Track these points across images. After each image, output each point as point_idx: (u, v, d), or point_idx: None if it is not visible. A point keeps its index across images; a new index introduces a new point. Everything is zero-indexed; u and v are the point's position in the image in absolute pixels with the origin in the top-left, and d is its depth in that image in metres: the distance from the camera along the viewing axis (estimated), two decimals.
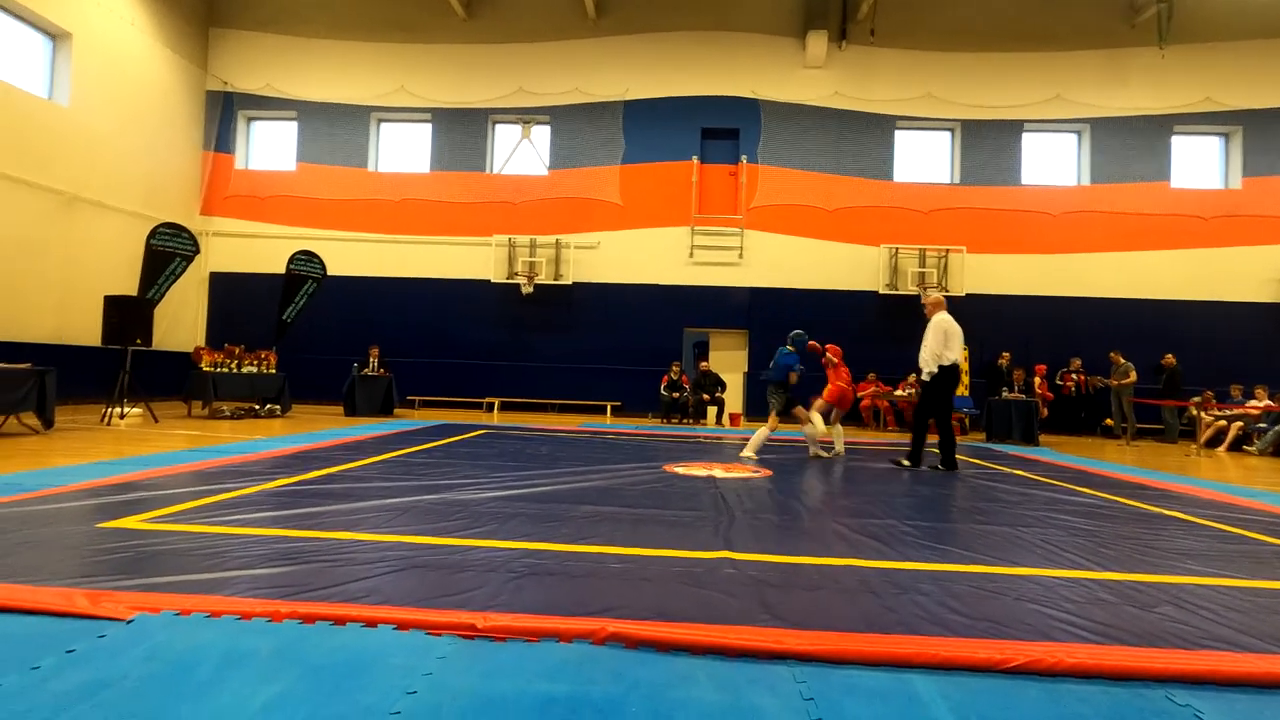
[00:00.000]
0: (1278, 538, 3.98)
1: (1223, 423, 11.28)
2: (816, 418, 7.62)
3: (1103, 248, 13.76)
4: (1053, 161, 14.41)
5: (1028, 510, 4.66)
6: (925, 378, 6.71)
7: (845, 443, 8.06)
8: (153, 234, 9.96)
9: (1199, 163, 14.20)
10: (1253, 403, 11.21)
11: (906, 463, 6.79)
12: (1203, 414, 11.51)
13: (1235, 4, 13.57)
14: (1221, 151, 14.19)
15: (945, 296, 12.61)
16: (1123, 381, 11.92)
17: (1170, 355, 12.51)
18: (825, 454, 7.58)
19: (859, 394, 13.36)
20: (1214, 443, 11.18)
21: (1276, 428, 10.31)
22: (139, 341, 9.02)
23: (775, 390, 7.36)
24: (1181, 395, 12.05)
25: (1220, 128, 13.95)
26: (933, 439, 6.89)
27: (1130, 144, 13.90)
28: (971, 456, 8.16)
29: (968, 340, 6.98)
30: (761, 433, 7.28)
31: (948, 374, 6.64)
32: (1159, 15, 13.09)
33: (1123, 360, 12.16)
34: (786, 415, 7.35)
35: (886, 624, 2.27)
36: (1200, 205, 13.74)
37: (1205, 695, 1.84)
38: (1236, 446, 10.88)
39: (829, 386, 7.95)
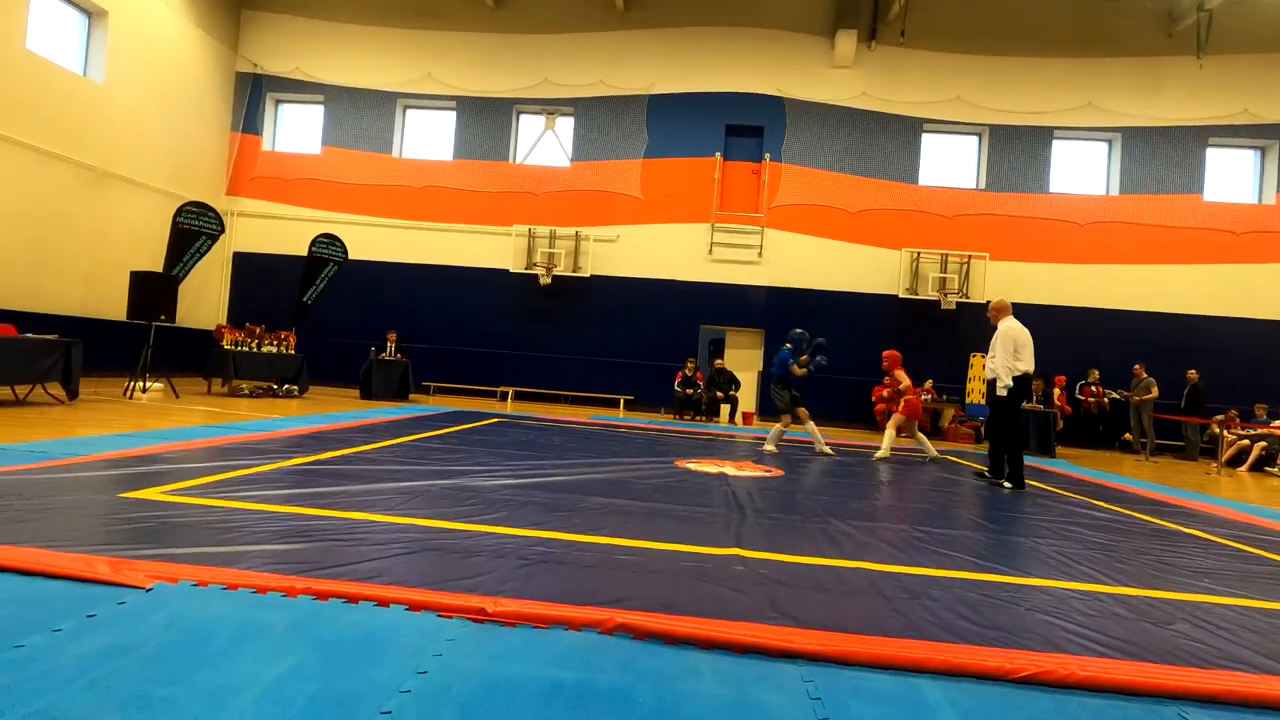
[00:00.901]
0: None
1: (1245, 442, 11.07)
2: (890, 433, 8.11)
3: (1129, 259, 13.52)
4: (1082, 170, 14.17)
5: (1042, 521, 4.61)
6: (1001, 391, 6.16)
7: (835, 445, 8.43)
8: (179, 212, 10.10)
9: (1233, 176, 13.91)
10: (1277, 423, 10.99)
11: (989, 476, 6.44)
12: (1225, 432, 11.31)
13: (1275, 16, 13.24)
14: (1257, 165, 13.88)
15: (962, 302, 12.37)
16: (1144, 397, 11.74)
17: (1194, 371, 12.29)
18: (830, 453, 7.86)
19: (874, 398, 13.29)
20: (1235, 462, 10.99)
21: None
22: (163, 318, 9.16)
23: (778, 388, 7.79)
24: (1204, 412, 11.84)
25: (1256, 141, 13.65)
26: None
27: (1163, 155, 13.64)
28: (986, 465, 8.08)
29: (987, 348, 6.83)
30: (777, 429, 7.51)
31: (1021, 385, 6.23)
32: (1198, 25, 12.81)
33: (1145, 374, 11.97)
34: (791, 412, 7.55)
35: (895, 628, 2.26)
36: (1232, 220, 13.46)
37: (1220, 715, 1.81)
38: (1259, 467, 10.68)
39: (904, 401, 8.26)
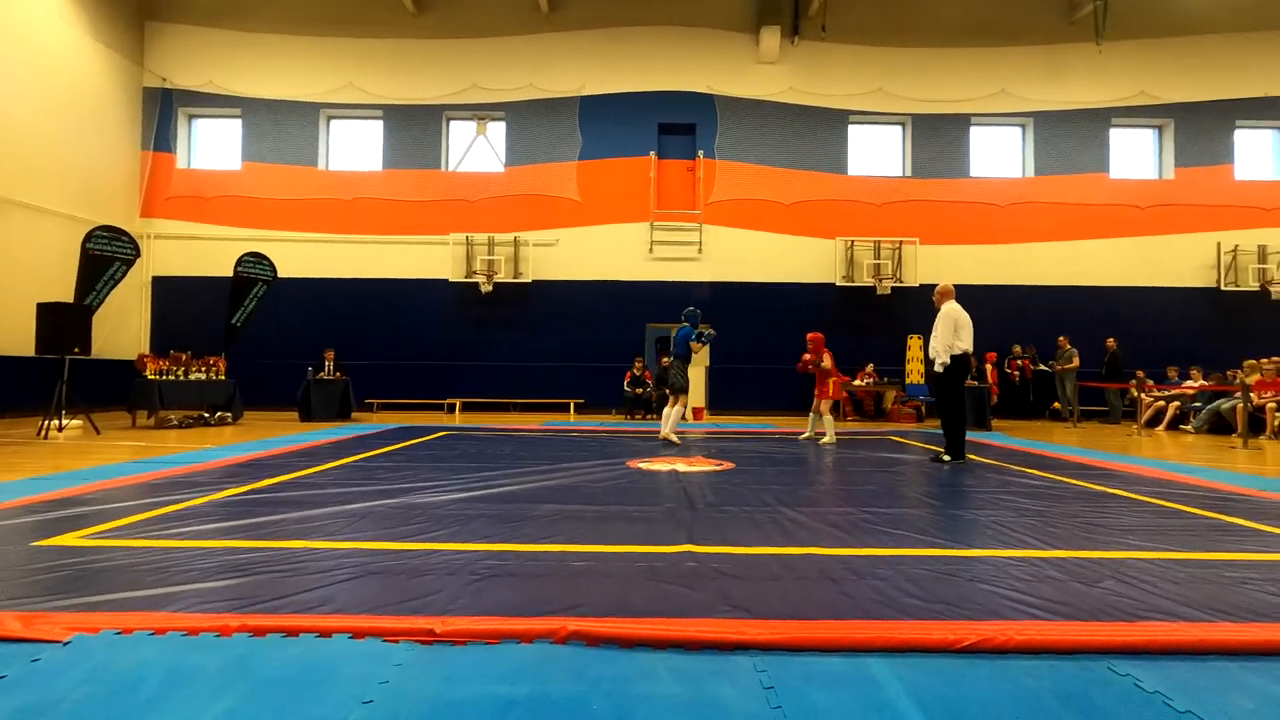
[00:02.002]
0: (1211, 511, 4.18)
1: (1161, 403, 11.80)
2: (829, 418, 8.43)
3: (1047, 237, 14.23)
4: (999, 154, 14.83)
5: (980, 493, 4.80)
6: (939, 369, 6.51)
7: (782, 434, 8.67)
8: (89, 237, 9.52)
9: (1135, 154, 14.79)
10: (1188, 383, 11.75)
11: (947, 458, 6.47)
12: (1142, 395, 12.03)
13: (1167, 2, 14.16)
14: (1156, 143, 14.80)
15: (897, 287, 12.78)
16: (1066, 366, 12.37)
17: (1112, 339, 13.03)
18: (677, 442, 8.02)
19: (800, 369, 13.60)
20: (1154, 422, 11.69)
21: (1210, 406, 10.83)
22: (77, 350, 8.62)
23: (683, 367, 8.17)
24: (1123, 378, 12.56)
25: (1154, 120, 14.55)
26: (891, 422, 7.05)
27: (1071, 137, 14.40)
28: (927, 443, 8.37)
29: (922, 329, 7.10)
30: (677, 412, 8.01)
31: (960, 363, 6.48)
32: (1096, 12, 13.58)
33: (1068, 345, 12.62)
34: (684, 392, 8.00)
35: (845, 610, 2.31)
36: (1137, 195, 14.32)
37: (1144, 664, 1.92)
38: (1174, 425, 11.39)
39: (832, 383, 8.63)
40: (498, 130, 14.62)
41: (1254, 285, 13.78)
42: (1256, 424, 10.07)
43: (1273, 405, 10.07)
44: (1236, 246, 13.95)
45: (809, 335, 8.90)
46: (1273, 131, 14.69)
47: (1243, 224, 14.13)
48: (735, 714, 1.64)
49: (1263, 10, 14.22)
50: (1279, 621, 2.22)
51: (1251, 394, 9.45)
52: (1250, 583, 2.68)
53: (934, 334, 6.59)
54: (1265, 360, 10.88)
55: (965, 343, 6.46)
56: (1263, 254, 13.90)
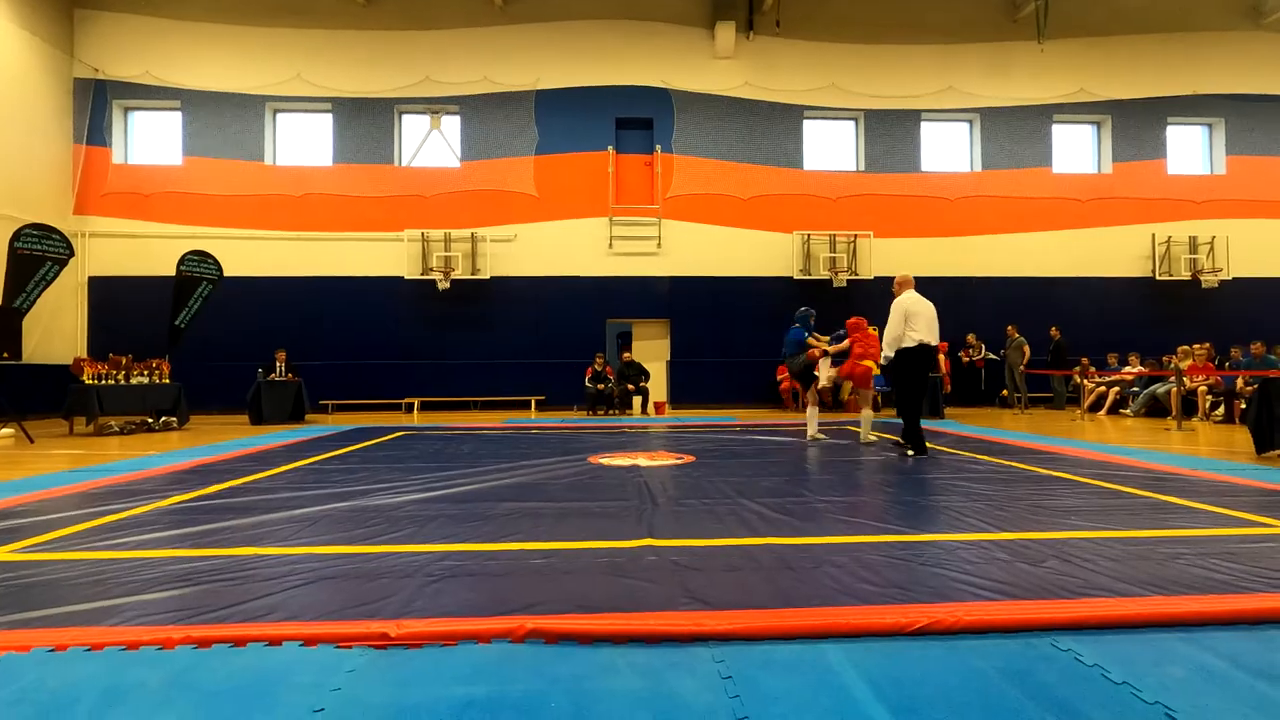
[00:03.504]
0: (1148, 491, 4.37)
1: (1103, 388, 12.30)
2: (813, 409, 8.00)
3: (994, 230, 14.67)
4: (948, 149, 15.22)
5: (933, 479, 4.93)
6: (883, 361, 6.45)
7: (745, 425, 8.37)
8: (16, 236, 9.05)
9: (1075, 149, 15.36)
10: (1127, 369, 12.27)
11: (911, 453, 6.29)
12: (1085, 381, 12.53)
13: (1105, 1, 14.71)
14: (1094, 139, 15.38)
15: (853, 280, 12.93)
16: (1021, 361, 12.79)
17: (1055, 328, 13.52)
18: (823, 437, 7.84)
19: (778, 377, 13.78)
20: (1096, 407, 12.19)
21: (1147, 391, 11.34)
22: (6, 355, 8.19)
23: (797, 369, 7.85)
24: (1067, 365, 13.05)
25: (1093, 116, 15.11)
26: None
27: (1015, 132, 14.86)
28: (884, 432, 8.57)
29: (878, 321, 7.11)
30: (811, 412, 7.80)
31: (911, 356, 6.25)
32: (1037, 11, 14.03)
33: (1017, 335, 13.06)
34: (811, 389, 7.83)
35: (802, 598, 2.35)
36: (1077, 189, 14.87)
37: (1084, 639, 1.99)
38: (1115, 410, 11.89)
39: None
40: (452, 124, 14.37)
41: (1186, 275, 14.46)
42: (1190, 407, 10.59)
43: (1204, 389, 10.60)
44: (1170, 238, 14.61)
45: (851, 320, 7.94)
46: (1202, 128, 15.41)
47: (1175, 216, 14.80)
48: (694, 705, 1.65)
49: (1192, 11, 14.89)
50: (1209, 594, 2.34)
51: (1185, 378, 9.92)
52: (1182, 558, 2.81)
53: (886, 327, 6.47)
54: (1197, 346, 11.44)
55: (920, 333, 6.24)
56: (1193, 245, 14.58)
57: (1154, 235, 14.66)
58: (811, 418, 7.87)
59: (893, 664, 1.86)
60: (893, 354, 6.34)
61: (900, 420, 6.58)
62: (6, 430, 8.30)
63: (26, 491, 4.60)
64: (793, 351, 7.86)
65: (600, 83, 14.24)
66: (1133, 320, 14.48)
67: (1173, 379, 9.88)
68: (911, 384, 6.41)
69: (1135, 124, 14.92)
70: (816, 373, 7.83)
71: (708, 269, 14.24)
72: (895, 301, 6.47)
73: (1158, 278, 14.54)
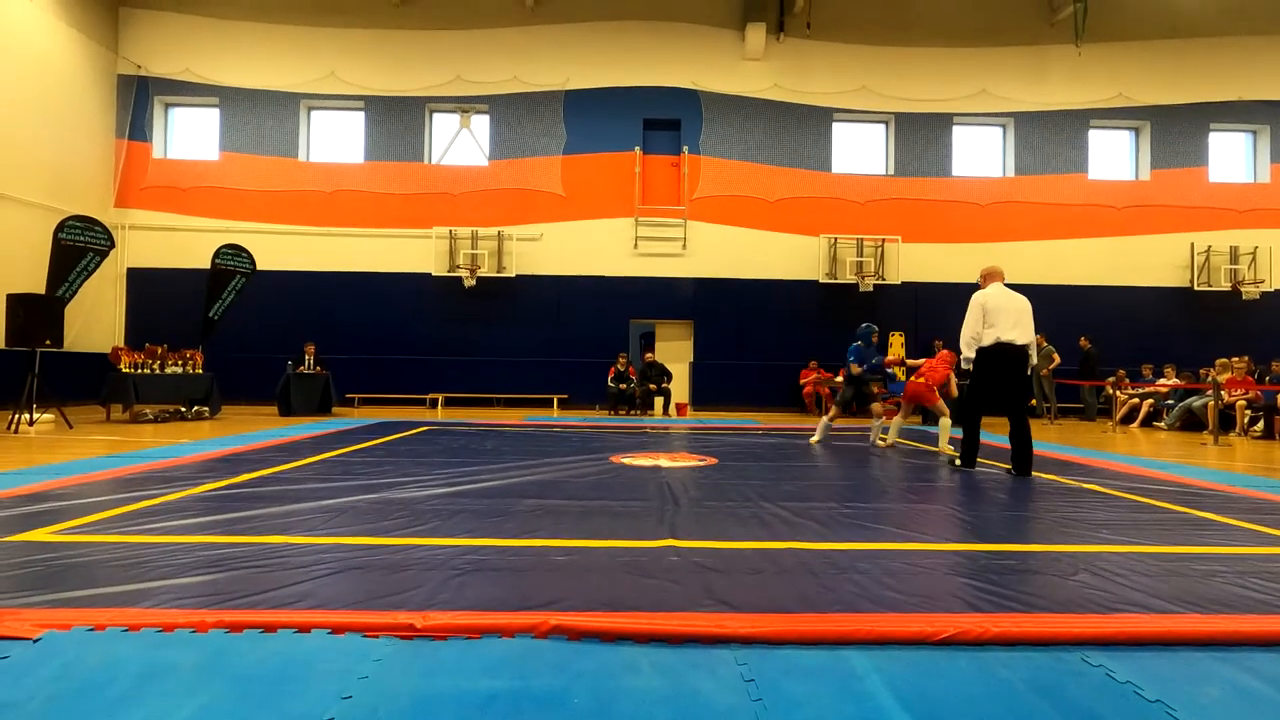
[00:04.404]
0: (1183, 506, 4.26)
1: (1136, 400, 12.02)
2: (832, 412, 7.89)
3: (1026, 236, 14.42)
4: (980, 153, 15.00)
5: (959, 487, 4.86)
6: (964, 365, 5.70)
7: (767, 430, 8.31)
8: (61, 227, 9.33)
9: (1112, 155, 15.03)
10: (1162, 381, 11.98)
11: (959, 463, 5.86)
12: (1117, 393, 12.24)
13: (1146, 6, 14.38)
14: (1132, 145, 15.05)
15: (879, 285, 12.76)
16: (1048, 367, 12.55)
17: (1085, 338, 13.23)
18: (883, 442, 7.62)
19: (801, 380, 13.68)
20: (1128, 419, 11.91)
21: (1182, 404, 11.05)
22: (48, 343, 8.43)
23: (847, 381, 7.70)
24: (1097, 376, 12.77)
25: (1131, 122, 14.79)
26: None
27: (1051, 137, 14.59)
28: (908, 439, 8.46)
29: (903, 327, 6.99)
30: (895, 422, 7.53)
31: (990, 357, 5.51)
32: (1075, 14, 13.76)
33: (1045, 343, 12.81)
34: (850, 406, 7.64)
35: (825, 603, 2.33)
36: (1114, 196, 14.55)
37: (1117, 655, 1.95)
38: (1148, 422, 11.61)
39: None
40: (481, 123, 14.51)
41: (1226, 285, 14.07)
42: (1227, 421, 10.30)
43: (1242, 403, 10.30)
44: (1209, 247, 14.23)
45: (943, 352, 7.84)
46: (1246, 134, 15.00)
47: (1216, 225, 14.42)
48: (716, 707, 1.65)
49: (1238, 15, 14.49)
50: (1246, 613, 2.27)
51: (1222, 392, 9.66)
52: (1219, 575, 2.73)
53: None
54: (1236, 359, 11.12)
55: (1001, 331, 5.43)
56: (1234, 255, 14.19)
57: (1193, 244, 14.29)
58: (823, 425, 7.91)
59: (917, 673, 1.84)
60: (971, 355, 5.58)
61: (963, 433, 5.94)
62: (47, 415, 8.55)
63: (66, 475, 4.74)
64: (865, 365, 7.57)
65: (629, 83, 14.28)
66: (1168, 331, 14.13)
67: (1210, 392, 9.62)
68: (984, 388, 5.61)
69: (1176, 130, 14.56)
70: (868, 390, 7.69)
71: (732, 271, 14.19)
72: (973, 296, 5.69)
73: (1196, 288, 14.18)
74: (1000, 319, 5.46)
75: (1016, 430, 5.51)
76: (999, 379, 5.52)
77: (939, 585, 2.56)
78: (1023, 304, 5.56)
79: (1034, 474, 5.58)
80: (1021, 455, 5.46)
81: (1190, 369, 12.23)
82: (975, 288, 5.83)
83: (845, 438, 8.64)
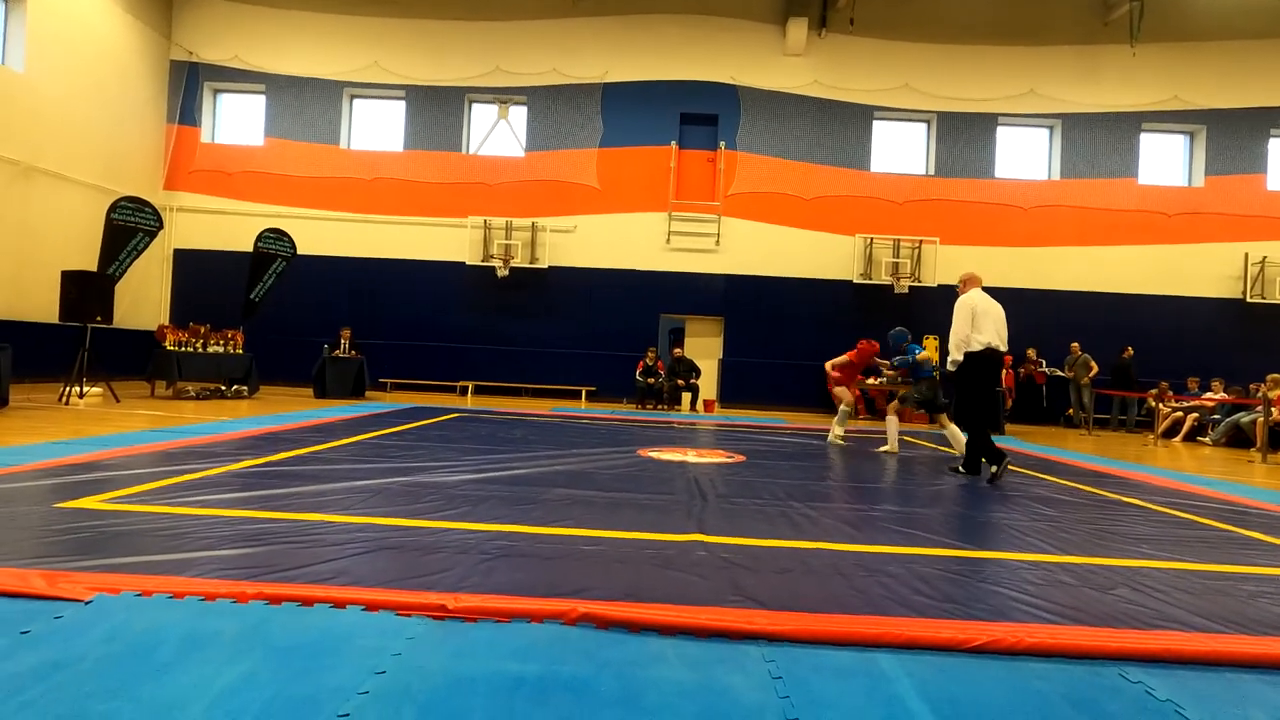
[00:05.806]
0: (1227, 523, 4.13)
1: (1179, 414, 11.64)
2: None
3: (1070, 241, 14.03)
4: (1025, 155, 14.61)
5: (992, 496, 4.76)
6: (950, 367, 5.69)
7: (796, 430, 8.20)
8: (113, 208, 9.63)
9: (1165, 160, 14.52)
10: (1208, 395, 11.57)
11: (962, 469, 5.77)
12: (1160, 405, 11.86)
13: (1204, 5, 13.84)
14: (1186, 150, 14.52)
15: (915, 286, 12.57)
16: (1086, 376, 12.22)
17: (1129, 349, 12.83)
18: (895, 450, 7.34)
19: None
20: (1171, 433, 11.54)
21: (1230, 419, 10.66)
22: (99, 319, 8.73)
23: (915, 384, 7.40)
24: (1134, 387, 12.39)
25: (1186, 126, 14.26)
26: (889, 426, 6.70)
27: (1100, 140, 14.15)
28: (940, 445, 8.32)
29: (939, 330, 6.79)
30: (956, 432, 6.93)
31: (977, 361, 5.55)
32: (1131, 14, 13.30)
33: (1080, 352, 12.48)
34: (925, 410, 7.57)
35: (854, 605, 2.31)
36: (1164, 202, 14.07)
37: (1156, 673, 1.90)
38: (1192, 437, 11.24)
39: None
40: (519, 114, 14.59)
41: None
42: (1277, 439, 9.90)
43: None
44: (1265, 258, 13.68)
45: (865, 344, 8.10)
46: None
47: (1273, 235, 13.84)
48: (744, 702, 1.65)
49: None
50: None
51: (1273, 408, 9.29)
52: (1265, 596, 2.65)
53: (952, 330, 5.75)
54: None
55: (987, 335, 5.52)
56: None
57: (1247, 254, 13.75)
58: (891, 429, 7.42)
59: (948, 679, 1.81)
60: (960, 357, 5.58)
61: (967, 440, 5.79)
62: (96, 389, 8.87)
63: (113, 447, 4.91)
64: (913, 368, 7.31)
65: (667, 77, 14.21)
66: (1216, 343, 13.63)
67: (1259, 408, 9.27)
68: (974, 394, 5.65)
69: (1233, 135, 14.01)
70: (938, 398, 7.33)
71: (765, 268, 14.08)
72: (960, 299, 5.72)
73: (1248, 300, 13.65)
74: (985, 324, 5.59)
75: (976, 433, 5.62)
76: (985, 383, 5.66)
77: (971, 592, 2.52)
78: (1001, 311, 5.73)
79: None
80: (976, 455, 5.61)
81: (1239, 383, 11.79)
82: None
83: (874, 440, 8.53)
